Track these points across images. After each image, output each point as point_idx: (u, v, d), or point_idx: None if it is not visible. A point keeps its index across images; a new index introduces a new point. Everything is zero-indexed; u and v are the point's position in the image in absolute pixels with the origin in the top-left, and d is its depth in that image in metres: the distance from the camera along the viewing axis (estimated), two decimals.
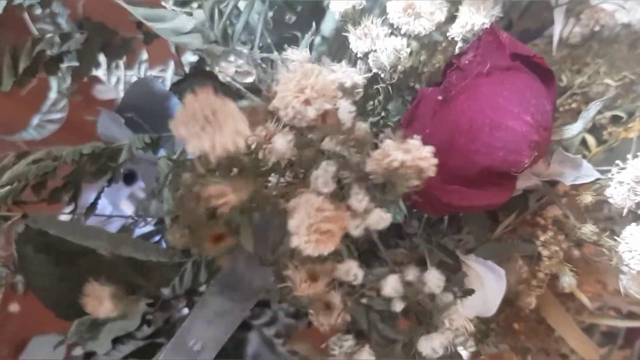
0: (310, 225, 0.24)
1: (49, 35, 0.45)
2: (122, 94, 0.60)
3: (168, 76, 0.61)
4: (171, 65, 0.61)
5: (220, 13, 0.37)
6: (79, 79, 0.44)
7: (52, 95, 0.68)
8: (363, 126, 0.28)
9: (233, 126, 0.22)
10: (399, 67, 0.32)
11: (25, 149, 0.65)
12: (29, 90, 0.44)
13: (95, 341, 0.46)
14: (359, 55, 0.34)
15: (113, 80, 0.60)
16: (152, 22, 0.29)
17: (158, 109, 0.42)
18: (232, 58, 0.31)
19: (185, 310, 0.48)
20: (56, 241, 0.37)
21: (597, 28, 0.40)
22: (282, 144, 0.27)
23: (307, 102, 0.25)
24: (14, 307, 0.72)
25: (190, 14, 0.34)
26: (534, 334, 0.45)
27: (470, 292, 0.32)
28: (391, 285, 0.29)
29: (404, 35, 0.33)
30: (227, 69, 0.30)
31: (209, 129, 0.22)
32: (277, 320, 0.63)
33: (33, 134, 0.68)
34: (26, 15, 0.46)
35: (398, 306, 0.30)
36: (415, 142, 0.25)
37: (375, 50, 0.33)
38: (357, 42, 0.34)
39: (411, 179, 0.25)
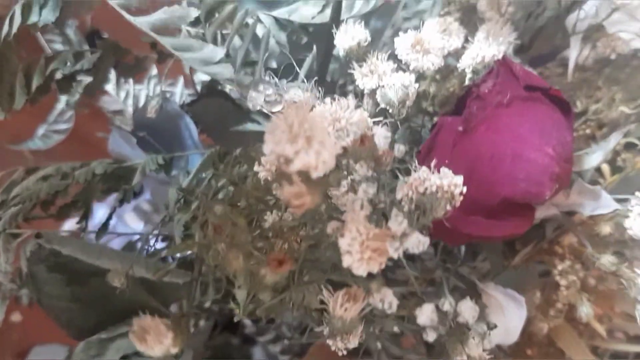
0: (362, 242, 0.23)
1: (60, 49, 0.45)
2: (130, 109, 0.60)
3: (177, 91, 0.61)
4: (180, 80, 0.61)
5: (223, 37, 0.37)
6: (90, 95, 0.44)
7: (60, 106, 0.68)
8: (401, 149, 0.28)
9: (331, 145, 0.21)
10: (407, 102, 0.32)
11: (31, 158, 0.64)
12: None
13: (102, 359, 0.45)
14: (366, 91, 0.33)
15: (122, 94, 0.60)
16: (180, 51, 0.29)
17: (170, 128, 0.42)
18: (261, 87, 0.30)
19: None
20: (69, 261, 0.37)
21: (613, 56, 0.40)
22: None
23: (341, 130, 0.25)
24: (16, 317, 0.72)
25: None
26: (545, 357, 0.45)
27: (494, 326, 0.31)
28: (427, 314, 0.29)
29: (412, 71, 0.33)
30: (256, 99, 0.30)
31: (316, 146, 0.21)
32: (282, 338, 0.63)
33: (39, 143, 0.67)
34: None
35: (431, 336, 0.30)
36: (446, 169, 0.25)
37: (383, 87, 0.32)
38: (363, 79, 0.33)
39: (444, 204, 0.25)
